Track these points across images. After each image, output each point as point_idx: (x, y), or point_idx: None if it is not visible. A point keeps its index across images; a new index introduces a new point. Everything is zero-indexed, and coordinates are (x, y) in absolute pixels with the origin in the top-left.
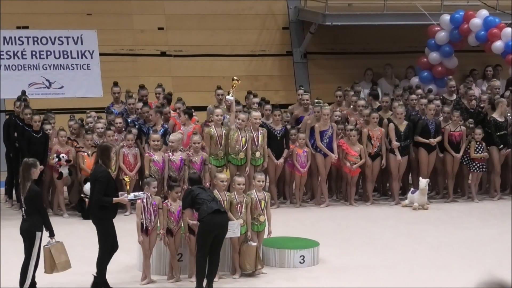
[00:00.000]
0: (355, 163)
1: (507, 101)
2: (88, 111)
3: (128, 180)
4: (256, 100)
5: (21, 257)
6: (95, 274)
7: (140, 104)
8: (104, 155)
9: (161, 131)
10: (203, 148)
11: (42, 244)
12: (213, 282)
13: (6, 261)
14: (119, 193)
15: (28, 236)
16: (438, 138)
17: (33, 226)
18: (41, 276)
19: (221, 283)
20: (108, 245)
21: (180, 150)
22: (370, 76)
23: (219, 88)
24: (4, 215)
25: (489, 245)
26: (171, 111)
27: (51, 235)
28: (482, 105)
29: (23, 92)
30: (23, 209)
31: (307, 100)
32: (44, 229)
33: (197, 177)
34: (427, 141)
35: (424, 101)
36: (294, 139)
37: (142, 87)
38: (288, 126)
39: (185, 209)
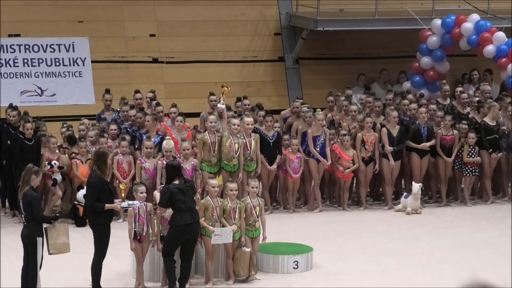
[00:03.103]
0: (348, 168)
1: (499, 105)
2: (82, 118)
3: (123, 188)
4: (247, 102)
5: (15, 264)
6: (91, 284)
7: (133, 111)
8: (100, 161)
9: (157, 139)
10: (195, 154)
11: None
12: (185, 287)
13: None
14: (115, 200)
15: (29, 242)
16: (432, 142)
17: (33, 232)
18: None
19: None
20: (104, 250)
21: (174, 157)
22: (363, 81)
23: (212, 94)
24: None
25: (483, 249)
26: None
27: (54, 220)
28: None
29: (10, 105)
30: (22, 215)
31: (297, 107)
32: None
33: (177, 164)
34: (418, 146)
35: (415, 105)
36: (287, 145)
37: (137, 91)
38: (280, 131)
39: (160, 207)
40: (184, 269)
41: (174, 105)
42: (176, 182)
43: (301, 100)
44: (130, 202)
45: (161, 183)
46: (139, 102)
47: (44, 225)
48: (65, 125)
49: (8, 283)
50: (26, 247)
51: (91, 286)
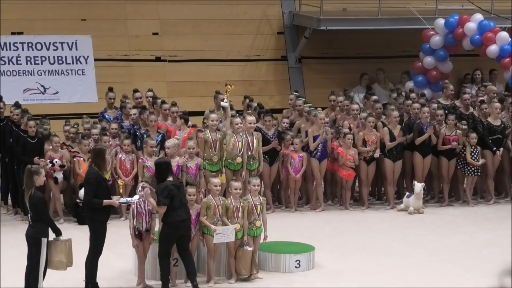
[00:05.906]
0: (350, 167)
1: (502, 106)
2: (85, 116)
3: (122, 184)
4: (251, 103)
5: (16, 263)
6: (84, 280)
7: (134, 110)
8: (98, 158)
9: (159, 137)
10: (198, 153)
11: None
12: (196, 281)
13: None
14: (113, 196)
15: (34, 242)
16: (434, 140)
17: (38, 233)
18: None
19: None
20: (100, 247)
21: (178, 156)
22: (366, 80)
23: (219, 93)
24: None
25: (484, 249)
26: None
27: (57, 235)
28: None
29: (16, 103)
30: (29, 215)
31: (299, 105)
32: (49, 234)
33: (168, 161)
34: (426, 135)
35: (417, 105)
36: (289, 144)
37: (136, 91)
38: (282, 128)
39: (161, 206)
40: (187, 265)
41: (174, 104)
42: (170, 179)
43: (297, 94)
44: (129, 198)
45: None
46: (140, 101)
47: (51, 237)
48: (68, 123)
49: (9, 282)
50: (31, 247)
51: (84, 282)
